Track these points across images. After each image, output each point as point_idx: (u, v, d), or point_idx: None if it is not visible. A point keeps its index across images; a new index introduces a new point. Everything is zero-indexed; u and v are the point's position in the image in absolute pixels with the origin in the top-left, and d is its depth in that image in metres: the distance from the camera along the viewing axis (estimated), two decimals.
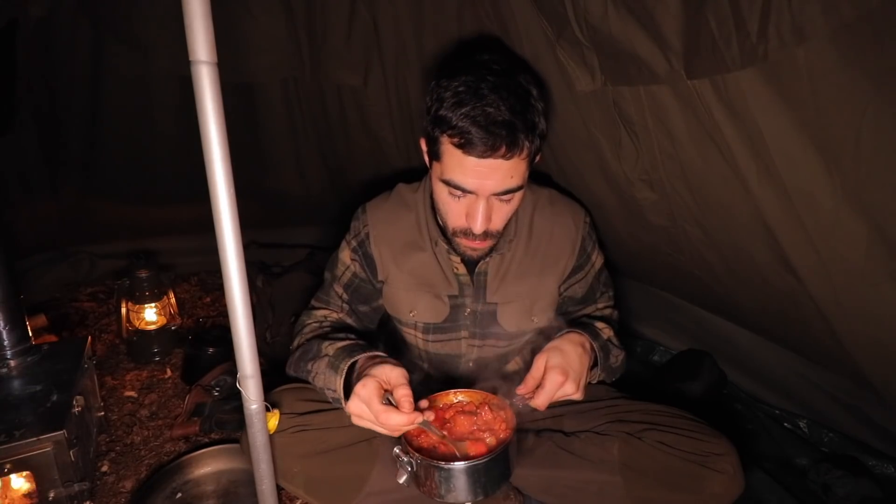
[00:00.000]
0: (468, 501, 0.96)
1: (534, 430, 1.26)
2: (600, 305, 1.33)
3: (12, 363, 1.29)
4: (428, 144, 1.12)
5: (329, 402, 1.16)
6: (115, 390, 1.72)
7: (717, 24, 0.84)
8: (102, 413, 1.51)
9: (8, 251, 1.27)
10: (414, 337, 1.31)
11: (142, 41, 1.66)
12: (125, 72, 1.72)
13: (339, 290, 1.30)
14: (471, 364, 1.31)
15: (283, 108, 1.92)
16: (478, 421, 1.05)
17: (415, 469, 0.94)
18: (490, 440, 1.00)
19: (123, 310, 1.86)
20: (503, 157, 1.00)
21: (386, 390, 0.98)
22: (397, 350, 1.38)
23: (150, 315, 1.88)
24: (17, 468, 1.12)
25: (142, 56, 1.68)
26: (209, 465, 1.40)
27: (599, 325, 1.22)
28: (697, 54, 0.91)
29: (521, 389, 1.03)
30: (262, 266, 2.31)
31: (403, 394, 0.96)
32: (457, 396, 1.10)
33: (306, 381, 1.19)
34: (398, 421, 0.94)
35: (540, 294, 1.25)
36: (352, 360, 1.06)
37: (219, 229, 0.80)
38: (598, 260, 1.31)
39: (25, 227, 2.00)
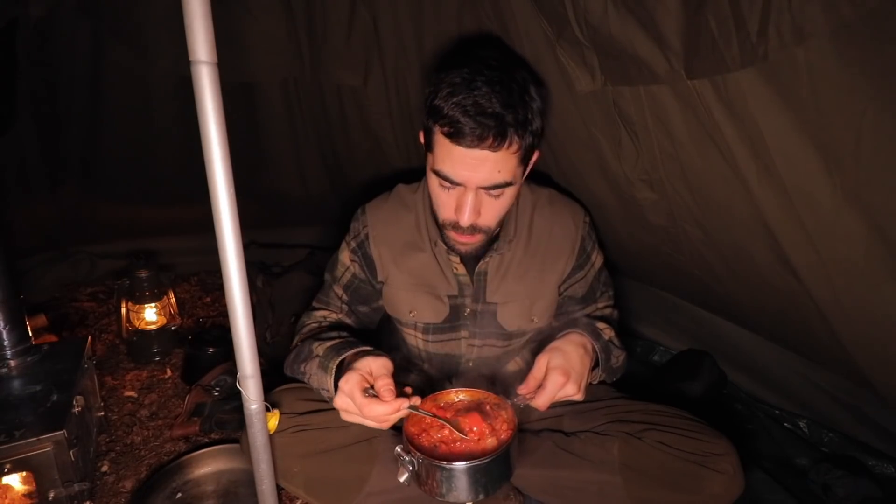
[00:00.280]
0: (469, 501, 0.96)
1: (534, 430, 1.26)
2: (600, 305, 1.33)
3: (12, 363, 1.29)
4: (424, 136, 1.12)
5: (328, 402, 1.16)
6: (115, 390, 1.72)
7: (717, 24, 0.84)
8: (102, 413, 1.51)
9: (8, 251, 1.27)
10: (414, 337, 1.31)
11: (142, 41, 1.66)
12: (125, 72, 1.72)
13: (339, 291, 1.30)
14: (470, 364, 1.31)
15: (283, 108, 1.92)
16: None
17: (416, 468, 0.94)
18: (491, 440, 1.00)
19: (123, 310, 1.86)
20: (490, 148, 1.00)
21: (370, 384, 0.99)
22: (397, 351, 1.38)
23: (150, 315, 1.88)
24: (17, 468, 1.12)
25: (142, 56, 1.68)
26: (209, 465, 1.40)
27: (601, 325, 1.22)
28: (697, 54, 0.91)
29: (523, 389, 1.04)
30: (262, 266, 2.31)
31: (384, 384, 0.96)
32: (458, 395, 1.10)
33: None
34: (381, 411, 0.94)
35: (540, 294, 1.25)
36: (340, 358, 1.06)
37: (219, 229, 0.80)
38: (598, 260, 1.31)
39: (25, 227, 2.00)
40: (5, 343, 1.28)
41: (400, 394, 0.98)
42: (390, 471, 1.16)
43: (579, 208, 1.31)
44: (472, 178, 1.04)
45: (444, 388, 1.11)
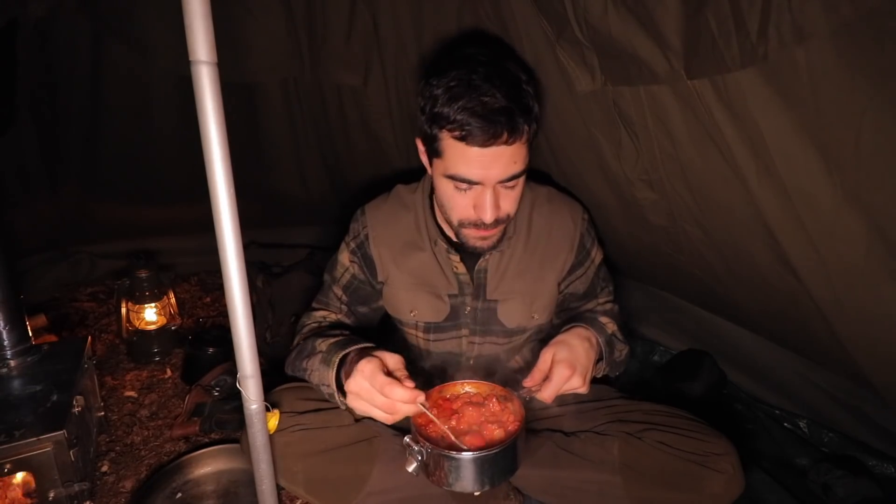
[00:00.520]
0: (475, 491, 0.97)
1: (534, 430, 1.26)
2: (601, 300, 1.34)
3: (12, 363, 1.29)
4: (426, 143, 1.12)
5: (329, 402, 1.16)
6: (115, 390, 1.72)
7: (717, 24, 0.84)
8: (102, 413, 1.51)
9: (8, 251, 1.27)
10: (415, 337, 1.32)
11: (142, 41, 1.66)
12: (125, 72, 1.72)
13: (339, 291, 1.30)
14: (471, 362, 1.32)
15: (283, 108, 1.92)
16: (486, 412, 1.06)
17: (424, 458, 0.95)
18: (498, 432, 1.01)
19: (123, 310, 1.86)
20: (505, 143, 1.01)
21: (388, 373, 0.99)
22: (398, 351, 1.38)
23: (150, 315, 1.88)
24: (17, 468, 1.12)
25: (142, 56, 1.68)
26: (209, 465, 1.40)
27: (603, 319, 1.23)
28: (697, 54, 0.91)
29: (528, 382, 1.04)
30: (262, 266, 2.30)
31: (404, 375, 0.98)
32: (464, 387, 1.11)
33: (306, 381, 1.19)
34: (401, 394, 0.94)
35: (540, 291, 1.26)
36: (343, 353, 1.06)
37: (219, 229, 0.80)
38: (597, 256, 1.32)
39: (25, 227, 2.00)
40: (5, 343, 1.28)
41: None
42: (390, 471, 1.16)
43: (578, 205, 1.31)
44: (491, 175, 1.05)
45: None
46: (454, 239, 1.22)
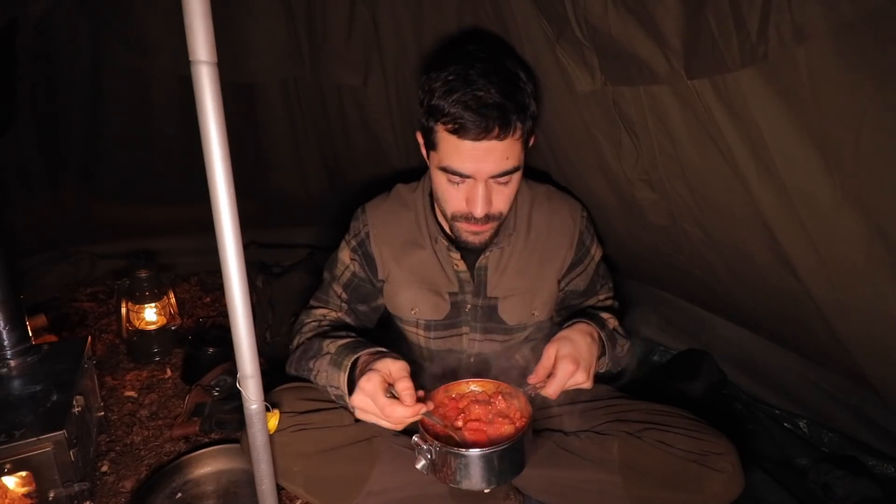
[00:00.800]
0: (482, 489, 0.97)
1: (534, 429, 1.26)
2: (602, 297, 1.34)
3: (12, 363, 1.29)
4: (424, 136, 1.14)
5: (329, 401, 1.16)
6: (115, 390, 1.72)
7: (717, 24, 0.84)
8: (102, 413, 1.51)
9: (8, 251, 1.27)
10: (416, 335, 1.32)
11: (142, 41, 1.66)
12: (125, 72, 1.72)
13: (339, 289, 1.30)
14: (472, 360, 1.32)
15: (283, 108, 1.92)
16: (492, 410, 1.06)
17: (433, 457, 0.96)
18: (507, 427, 1.01)
19: (123, 310, 1.86)
20: (497, 138, 1.02)
21: (389, 384, 0.99)
22: (399, 349, 1.39)
23: (150, 315, 1.88)
24: (17, 468, 1.12)
25: (142, 56, 1.68)
26: (209, 465, 1.40)
27: (605, 315, 1.24)
28: (697, 54, 0.91)
29: (533, 379, 1.04)
30: (262, 266, 2.30)
31: (405, 387, 0.97)
32: (469, 386, 1.11)
33: (306, 380, 1.19)
34: (402, 414, 0.95)
35: (540, 287, 1.26)
36: (355, 357, 1.07)
37: (219, 229, 0.80)
38: (597, 253, 1.33)
39: (25, 227, 1.99)
40: (5, 343, 1.28)
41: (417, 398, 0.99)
42: (390, 470, 1.17)
43: (576, 203, 1.32)
44: (482, 170, 1.05)
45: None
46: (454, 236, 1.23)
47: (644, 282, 1.82)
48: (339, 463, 1.16)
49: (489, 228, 1.16)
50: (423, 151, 1.18)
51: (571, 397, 1.27)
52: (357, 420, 1.18)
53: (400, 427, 1.00)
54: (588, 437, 1.20)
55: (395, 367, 1.00)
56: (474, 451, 0.94)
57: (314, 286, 1.39)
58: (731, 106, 0.91)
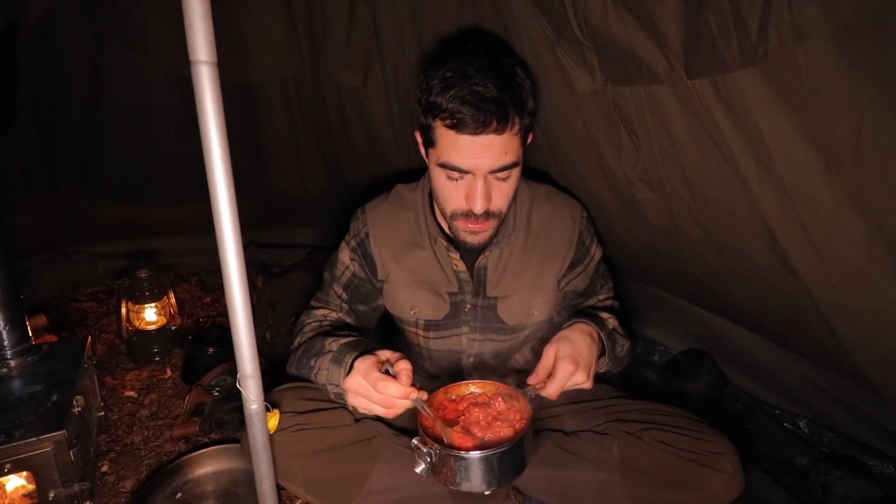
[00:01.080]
0: (483, 490, 0.97)
1: (534, 429, 1.26)
2: (601, 297, 1.35)
3: (12, 363, 1.29)
4: (422, 134, 1.14)
5: (330, 401, 1.16)
6: (115, 390, 1.72)
7: (717, 24, 0.84)
8: (102, 413, 1.51)
9: (8, 251, 1.27)
10: (415, 335, 1.32)
11: (142, 41, 1.66)
12: (125, 72, 1.72)
13: (339, 290, 1.31)
14: (472, 360, 1.32)
15: (283, 108, 1.92)
16: (492, 412, 1.06)
17: (433, 459, 0.95)
18: (506, 430, 1.01)
19: (123, 310, 1.86)
20: (495, 132, 1.03)
21: (384, 362, 1.00)
22: (398, 349, 1.39)
23: (150, 315, 1.88)
24: (17, 468, 1.12)
25: (142, 56, 1.68)
26: (209, 465, 1.40)
27: (604, 315, 1.24)
28: (697, 54, 0.91)
29: (532, 379, 1.05)
30: (262, 266, 2.30)
31: (403, 367, 0.98)
32: (469, 388, 1.11)
33: (306, 380, 1.19)
34: (394, 390, 0.95)
35: (539, 287, 1.26)
36: (356, 354, 1.07)
37: (219, 229, 0.80)
38: (597, 253, 1.33)
39: (25, 227, 1.99)
40: (5, 343, 1.29)
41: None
42: (390, 470, 1.17)
43: (576, 203, 1.32)
44: (481, 164, 1.06)
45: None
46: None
47: (644, 282, 1.82)
48: (339, 463, 1.16)
49: (488, 227, 1.16)
50: (422, 150, 1.18)
51: (571, 397, 1.27)
52: (357, 420, 1.19)
53: (392, 414, 1.00)
54: (588, 436, 1.20)
55: (394, 355, 1.02)
56: (475, 454, 0.93)
57: (314, 286, 1.39)
58: (731, 106, 0.91)
